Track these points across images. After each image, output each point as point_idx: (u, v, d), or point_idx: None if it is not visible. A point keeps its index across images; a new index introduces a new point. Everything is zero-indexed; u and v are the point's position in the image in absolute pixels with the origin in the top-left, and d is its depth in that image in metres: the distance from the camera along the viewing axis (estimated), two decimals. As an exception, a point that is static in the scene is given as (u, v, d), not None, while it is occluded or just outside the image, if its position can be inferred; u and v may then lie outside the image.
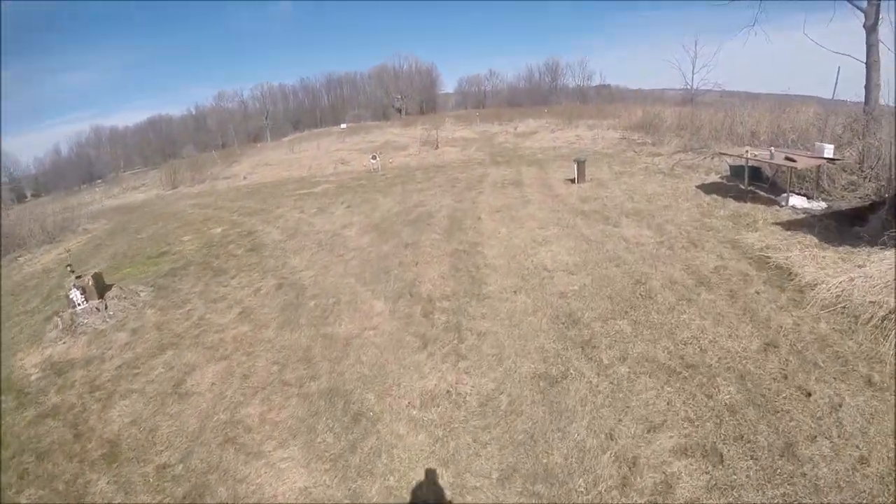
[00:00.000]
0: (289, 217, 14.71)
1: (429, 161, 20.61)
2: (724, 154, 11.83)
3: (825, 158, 9.92)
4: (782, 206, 9.86)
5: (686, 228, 9.10)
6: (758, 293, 6.53)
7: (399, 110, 55.54)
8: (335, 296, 8.40)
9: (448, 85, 67.83)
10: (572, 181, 13.52)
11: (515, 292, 7.49)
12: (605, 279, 7.52)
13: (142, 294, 9.90)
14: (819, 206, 9.74)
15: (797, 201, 9.89)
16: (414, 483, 4.42)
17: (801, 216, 9.29)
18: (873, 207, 9.04)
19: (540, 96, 53.15)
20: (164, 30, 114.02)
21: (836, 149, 10.25)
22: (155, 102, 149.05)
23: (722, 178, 12.59)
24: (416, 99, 59.68)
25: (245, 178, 25.11)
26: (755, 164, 10.63)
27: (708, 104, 22.51)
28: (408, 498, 4.31)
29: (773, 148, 10.15)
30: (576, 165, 13.48)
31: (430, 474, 4.44)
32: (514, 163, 17.70)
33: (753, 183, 11.48)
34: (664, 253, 8.16)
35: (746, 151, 10.42)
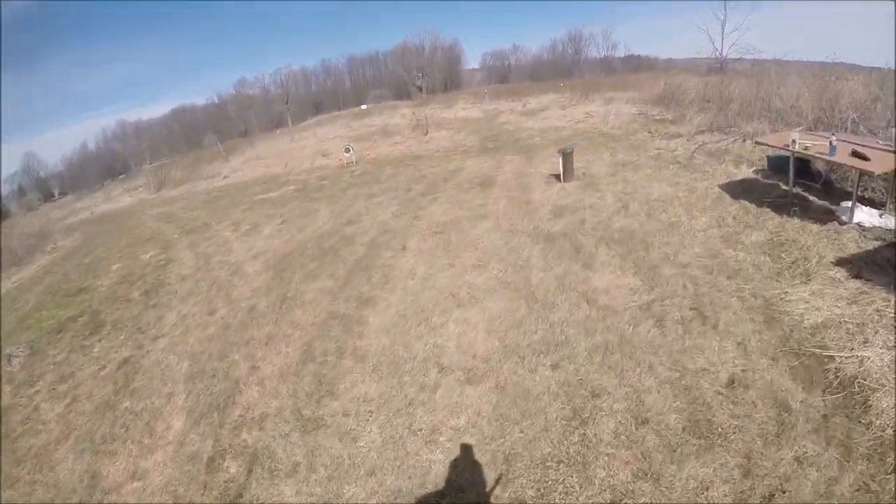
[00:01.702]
0: (217, 238, 12.24)
1: (411, 151, 17.49)
2: (763, 143, 8.08)
3: None
4: (844, 224, 6.37)
5: (694, 273, 5.92)
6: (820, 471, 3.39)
7: (420, 88, 51.86)
8: (148, 399, 5.95)
9: (473, 60, 63.70)
10: (558, 178, 10.04)
11: (366, 421, 4.68)
12: (524, 401, 4.57)
13: (13, 362, 8.13)
14: None
15: (865, 216, 6.47)
16: None
17: (875, 243, 5.95)
18: None
19: (563, 69, 48.67)
20: (183, 21, 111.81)
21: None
22: (181, 94, 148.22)
23: (756, 171, 9.00)
24: (438, 76, 55.77)
25: (225, 177, 22.50)
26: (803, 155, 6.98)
27: (740, 73, 18.35)
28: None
29: (833, 135, 6.48)
30: (561, 159, 10.02)
31: None
32: (503, 150, 14.34)
33: (800, 181, 7.83)
34: (646, 338, 5.06)
35: (793, 141, 6.78)
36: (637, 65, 48.68)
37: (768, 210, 7.10)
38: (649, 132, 13.57)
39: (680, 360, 4.60)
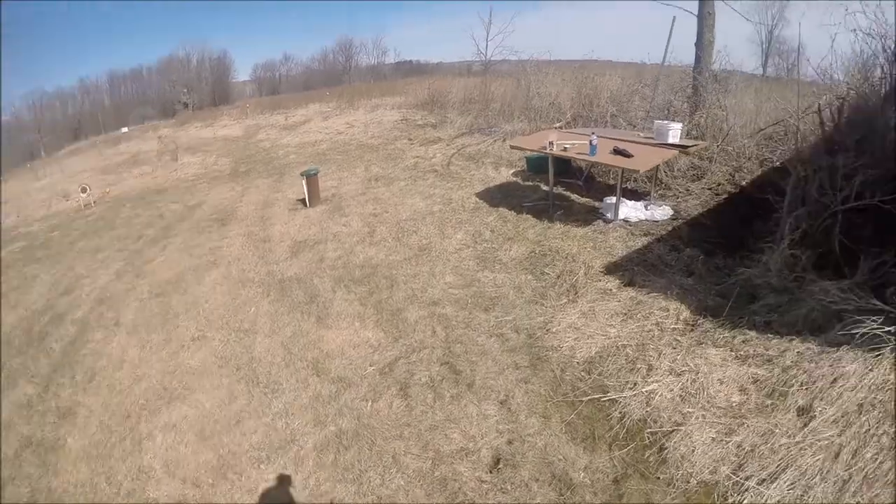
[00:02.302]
0: None
1: (156, 182, 14.82)
2: (518, 147, 7.37)
3: (674, 146, 5.88)
4: (609, 222, 6.06)
5: (445, 312, 5.02)
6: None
7: (186, 105, 47.11)
8: None
9: (244, 72, 59.68)
10: (304, 203, 8.60)
11: None
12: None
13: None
14: (662, 211, 6.23)
15: (630, 211, 6.26)
16: None
17: (644, 240, 5.70)
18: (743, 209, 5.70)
19: (334, 78, 47.45)
20: None
21: (684, 129, 6.62)
22: None
23: (516, 173, 8.41)
24: (206, 91, 51.23)
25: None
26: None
27: (505, 74, 18.47)
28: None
29: (593, 133, 5.85)
30: (304, 183, 8.55)
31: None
32: (253, 174, 12.56)
33: (562, 180, 7.30)
34: (389, 417, 4.01)
35: (551, 143, 6.05)
36: (408, 70, 48.93)
37: (529, 216, 6.47)
38: (409, 139, 12.77)
39: (432, 442, 3.57)
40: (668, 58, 9.15)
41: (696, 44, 8.46)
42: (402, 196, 8.29)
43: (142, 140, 26.52)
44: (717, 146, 7.24)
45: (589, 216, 6.33)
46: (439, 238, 6.48)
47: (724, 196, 6.59)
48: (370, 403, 3.99)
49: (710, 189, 6.81)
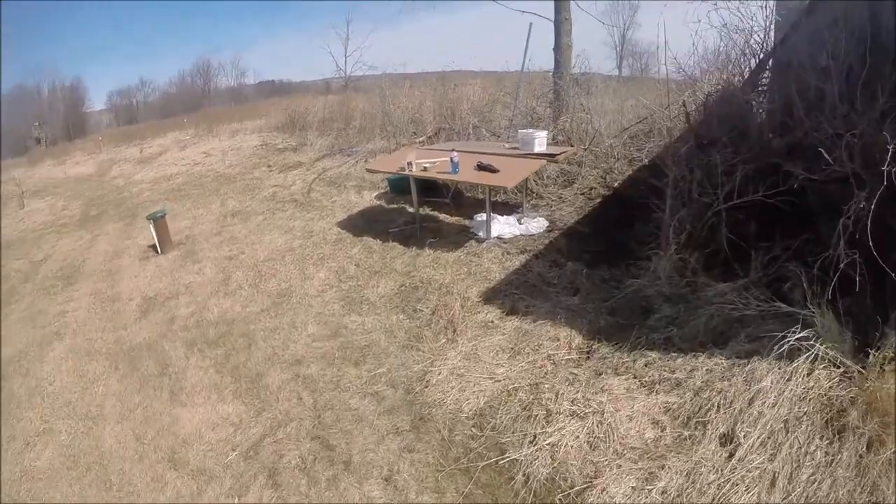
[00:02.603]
0: None
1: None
2: (375, 171, 6.99)
3: (541, 156, 5.77)
4: (482, 241, 5.97)
5: (311, 372, 4.56)
6: None
7: (38, 140, 42.35)
8: None
9: (99, 101, 54.72)
10: (156, 249, 7.75)
11: None
12: None
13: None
14: (537, 224, 6.22)
15: (504, 228, 6.06)
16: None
17: (521, 258, 5.60)
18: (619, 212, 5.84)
19: (193, 102, 44.70)
20: None
21: (550, 136, 6.37)
22: None
23: (379, 196, 8.09)
24: (60, 123, 46.42)
25: None
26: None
27: (365, 90, 18.12)
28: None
29: (454, 151, 5.70)
30: (152, 228, 7.72)
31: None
32: (105, 218, 11.37)
33: (428, 199, 7.05)
34: None
35: (409, 164, 5.75)
36: (270, 90, 47.02)
37: (396, 244, 6.19)
38: (268, 166, 12.11)
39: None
40: (527, 64, 9.27)
41: (553, 49, 8.58)
42: (260, 232, 7.73)
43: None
44: (585, 149, 7.32)
45: (460, 237, 6.16)
46: (300, 279, 6.04)
47: (599, 200, 6.65)
48: (237, 499, 3.49)
49: (583, 194, 6.86)
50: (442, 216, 6.96)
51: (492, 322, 4.58)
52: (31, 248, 10.67)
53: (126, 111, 51.18)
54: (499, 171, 5.48)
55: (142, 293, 6.68)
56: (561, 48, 8.60)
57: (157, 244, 8.04)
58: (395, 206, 7.62)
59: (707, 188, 4.54)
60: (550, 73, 8.83)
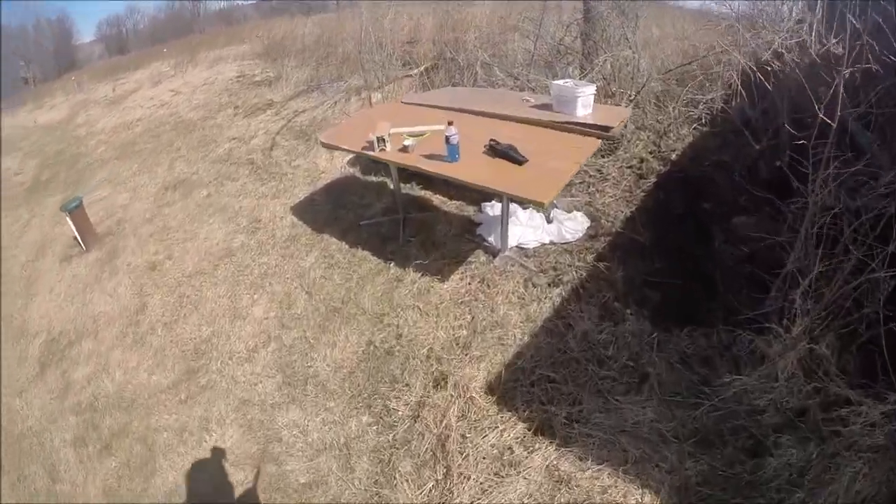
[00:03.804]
0: None
1: None
2: (332, 146, 4.17)
3: (588, 127, 3.37)
4: (494, 254, 3.59)
5: None
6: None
7: (26, 80, 38.95)
8: None
9: (88, 33, 49.76)
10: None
11: None
12: None
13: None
14: (574, 224, 3.79)
15: (526, 232, 3.71)
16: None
17: (551, 295, 3.21)
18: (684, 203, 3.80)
19: (184, 27, 39.98)
20: None
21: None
22: None
23: (354, 160, 5.55)
24: (48, 59, 42.51)
25: None
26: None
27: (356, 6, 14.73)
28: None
29: (453, 107, 3.65)
30: (69, 220, 5.39)
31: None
32: (52, 185, 9.08)
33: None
34: None
35: (380, 140, 3.29)
36: (269, 10, 41.38)
37: (367, 253, 3.76)
38: (235, 107, 9.39)
39: None
40: None
41: None
42: (199, 219, 5.33)
43: None
44: (632, 100, 4.68)
45: (461, 242, 3.74)
46: (229, 319, 3.75)
47: (654, 180, 4.12)
48: None
49: (630, 168, 4.30)
50: (436, 200, 4.45)
51: (509, 452, 2.33)
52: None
53: (116, 41, 46.62)
54: (525, 160, 2.91)
55: (49, 325, 4.53)
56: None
57: (79, 239, 5.68)
58: (374, 178, 5.09)
59: (864, 235, 2.13)
60: None
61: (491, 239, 3.63)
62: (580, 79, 5.10)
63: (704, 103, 4.75)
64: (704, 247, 3.36)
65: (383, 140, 3.23)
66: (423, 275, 3.49)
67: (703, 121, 4.87)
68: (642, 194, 4.13)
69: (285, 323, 3.55)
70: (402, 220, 4.10)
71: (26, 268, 5.97)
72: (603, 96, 4.87)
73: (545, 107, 3.62)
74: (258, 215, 4.98)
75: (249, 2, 43.74)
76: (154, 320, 4.15)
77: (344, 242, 4.10)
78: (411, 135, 3.38)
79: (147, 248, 5.14)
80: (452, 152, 2.93)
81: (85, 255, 5.60)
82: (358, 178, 5.13)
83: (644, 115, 4.93)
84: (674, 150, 4.60)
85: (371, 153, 3.26)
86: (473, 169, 2.85)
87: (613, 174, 4.16)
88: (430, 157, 3.05)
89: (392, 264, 3.68)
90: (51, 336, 4.47)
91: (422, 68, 7.63)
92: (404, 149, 3.19)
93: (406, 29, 9.15)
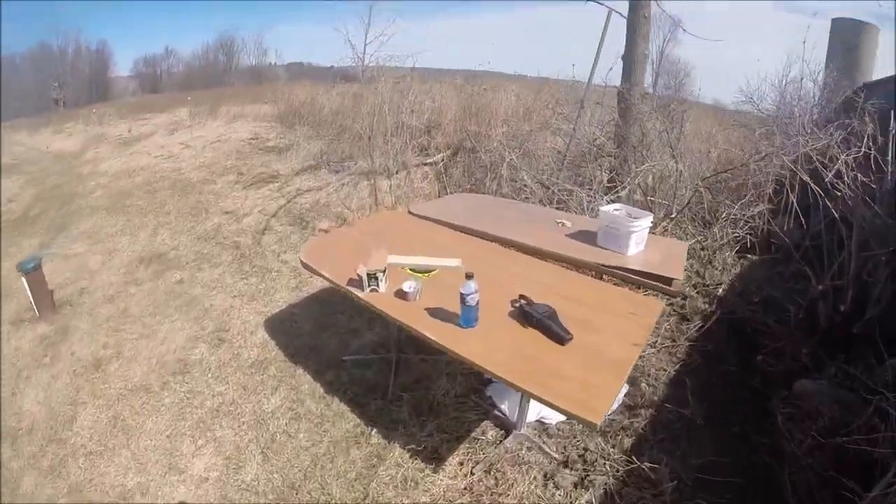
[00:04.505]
0: None
1: None
2: (313, 271, 2.95)
3: (645, 277, 2.66)
4: (507, 430, 2.78)
5: None
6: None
7: (56, 101, 38.64)
8: None
9: (125, 67, 50.10)
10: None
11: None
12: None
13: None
14: None
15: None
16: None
17: None
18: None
19: (215, 78, 40.17)
20: None
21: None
22: None
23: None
24: (83, 86, 42.40)
25: None
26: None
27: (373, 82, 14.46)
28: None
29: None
30: (25, 283, 4.59)
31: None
32: (38, 224, 8.19)
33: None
34: None
35: (371, 278, 2.58)
36: (298, 72, 41.57)
37: (344, 406, 2.93)
38: (240, 174, 8.73)
39: None
40: (575, 71, 5.74)
41: (623, 57, 5.16)
42: (163, 311, 4.49)
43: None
44: (672, 219, 4.02)
45: (465, 407, 2.92)
46: (161, 472, 2.91)
47: (699, 323, 3.42)
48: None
49: (671, 306, 3.58)
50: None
51: None
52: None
53: (150, 80, 46.84)
54: (569, 337, 2.10)
55: None
56: (635, 58, 5.17)
57: (34, 307, 4.81)
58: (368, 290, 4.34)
59: None
60: (616, 89, 5.40)
61: (504, 407, 2.82)
62: (610, 188, 4.46)
63: (746, 220, 4.10)
64: (765, 426, 2.59)
65: (375, 279, 2.47)
66: (412, 455, 2.64)
67: (748, 243, 4.23)
68: (687, 343, 3.39)
69: (228, 493, 2.65)
70: (395, 362, 3.29)
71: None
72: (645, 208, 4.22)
73: (586, 237, 2.93)
74: (227, 322, 4.15)
75: (281, 63, 44.26)
76: (79, 444, 3.24)
77: (319, 384, 3.26)
78: (415, 270, 2.63)
79: (98, 336, 4.27)
80: (468, 317, 2.16)
81: (35, 323, 4.73)
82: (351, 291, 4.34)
83: (684, 236, 4.26)
84: (719, 284, 3.91)
85: (359, 293, 2.49)
86: (494, 345, 2.07)
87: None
88: (437, 312, 2.28)
89: (374, 431, 2.84)
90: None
91: (440, 156, 7.06)
92: (402, 294, 2.42)
93: (427, 112, 8.66)
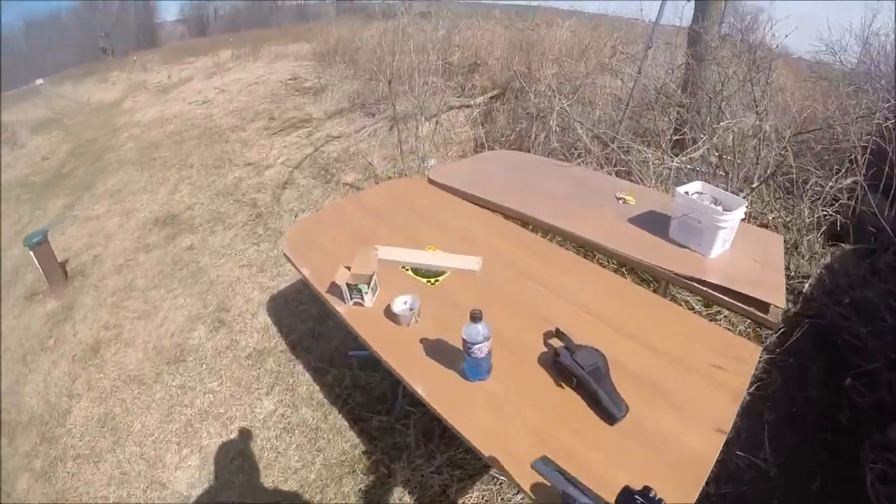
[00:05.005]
0: None
1: None
2: (294, 264, 2.32)
3: (731, 297, 1.87)
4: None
5: None
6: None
7: (104, 50, 39.15)
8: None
9: (172, 12, 49.88)
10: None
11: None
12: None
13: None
14: None
15: None
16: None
17: None
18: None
19: (261, 18, 38.99)
20: None
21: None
22: None
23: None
24: (129, 34, 42.66)
25: None
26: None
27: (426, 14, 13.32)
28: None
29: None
30: (33, 257, 4.43)
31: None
32: (68, 181, 8.17)
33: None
34: None
35: (351, 289, 1.93)
36: (349, 9, 39.48)
37: (343, 418, 2.51)
38: (270, 119, 8.24)
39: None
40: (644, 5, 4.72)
41: None
42: (167, 284, 4.18)
43: (47, 97, 20.32)
44: (752, 189, 3.21)
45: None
46: (143, 487, 2.64)
47: (781, 329, 2.70)
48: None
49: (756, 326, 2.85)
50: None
51: None
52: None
53: (198, 23, 46.42)
54: (622, 413, 1.43)
55: None
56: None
57: (47, 280, 4.61)
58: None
59: None
60: (686, 29, 4.37)
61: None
62: (677, 143, 3.64)
63: (835, 196, 3.24)
64: (851, 483, 1.92)
65: (358, 290, 1.87)
66: (415, 494, 2.13)
67: (837, 224, 3.38)
68: (765, 355, 2.67)
69: (205, 522, 2.25)
70: (401, 402, 2.73)
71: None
72: (710, 179, 3.41)
73: (654, 223, 2.21)
74: (230, 299, 3.74)
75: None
76: (68, 444, 2.98)
77: (318, 386, 2.78)
78: (417, 271, 2.02)
79: (101, 314, 3.99)
80: (476, 370, 1.54)
81: (46, 298, 4.51)
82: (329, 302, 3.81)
83: (763, 213, 3.45)
84: (806, 278, 3.11)
85: (339, 306, 1.90)
86: (511, 416, 1.44)
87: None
88: (438, 347, 1.68)
89: (373, 458, 2.33)
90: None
91: (482, 98, 6.29)
92: (393, 316, 1.82)
93: (472, 48, 7.78)
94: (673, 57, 4.59)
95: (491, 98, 6.41)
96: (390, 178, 5.07)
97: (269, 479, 2.40)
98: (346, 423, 2.56)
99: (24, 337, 4.13)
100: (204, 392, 3.00)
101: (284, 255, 2.39)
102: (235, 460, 2.54)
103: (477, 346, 1.44)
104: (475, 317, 1.40)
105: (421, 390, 1.51)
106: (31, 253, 4.52)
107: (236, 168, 6.28)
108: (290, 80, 11.56)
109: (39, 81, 32.64)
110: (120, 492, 2.62)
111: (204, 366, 3.20)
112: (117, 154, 8.66)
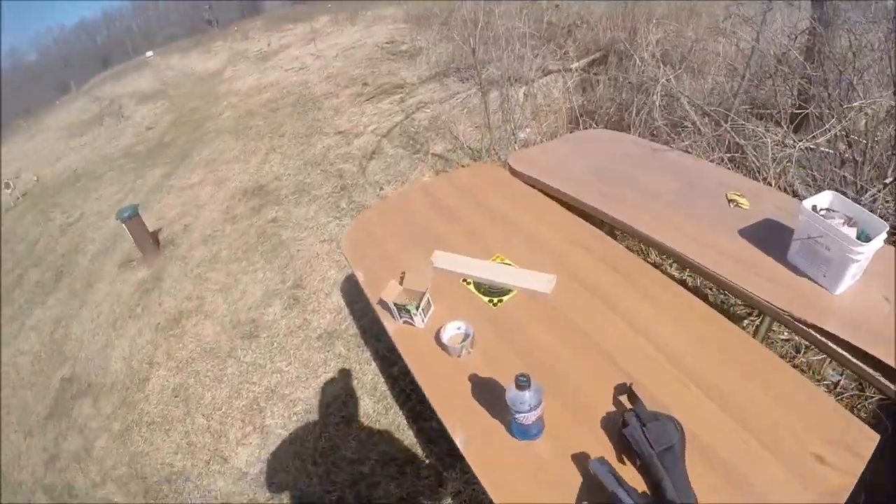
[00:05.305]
0: None
1: (93, 155, 11.02)
2: (353, 266, 2.22)
3: (858, 358, 1.47)
4: None
5: None
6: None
7: (209, 22, 41.80)
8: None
9: None
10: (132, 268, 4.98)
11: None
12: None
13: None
14: None
15: None
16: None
17: None
18: None
19: None
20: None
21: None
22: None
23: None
24: (233, 5, 45.23)
25: None
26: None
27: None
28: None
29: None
30: (126, 230, 4.92)
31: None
32: (171, 150, 8.91)
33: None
34: None
35: (402, 309, 1.80)
36: None
37: (409, 421, 2.59)
38: (364, 85, 8.40)
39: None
40: None
41: None
42: (250, 257, 4.44)
43: (155, 69, 22.27)
44: (885, 185, 2.76)
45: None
46: (205, 460, 2.84)
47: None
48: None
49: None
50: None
51: None
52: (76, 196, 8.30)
53: (297, -10, 48.12)
54: None
55: (75, 357, 4.17)
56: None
57: (140, 250, 5.06)
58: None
59: None
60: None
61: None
62: (797, 118, 3.20)
63: None
64: None
65: (407, 311, 1.77)
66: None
67: None
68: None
69: (258, 498, 2.36)
70: None
71: (94, 261, 5.52)
72: (837, 166, 2.98)
73: (770, 238, 1.88)
74: (307, 276, 3.87)
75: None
76: (144, 411, 3.26)
77: (383, 378, 2.81)
78: (479, 286, 1.88)
79: (185, 285, 4.31)
80: (521, 432, 1.39)
81: (139, 266, 4.94)
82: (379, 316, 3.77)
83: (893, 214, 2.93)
84: None
85: (388, 323, 1.83)
86: (554, 486, 1.28)
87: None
88: (489, 388, 1.52)
89: (426, 464, 2.30)
90: (72, 371, 3.89)
91: (584, 62, 5.99)
92: (442, 345, 1.70)
93: (569, 10, 7.45)
94: (796, 20, 4.01)
95: (591, 62, 6.07)
96: (478, 150, 4.96)
97: (322, 468, 2.45)
98: (405, 422, 2.54)
99: (115, 303, 4.54)
100: (272, 371, 3.12)
101: (343, 254, 2.37)
102: (293, 444, 2.61)
103: (522, 416, 1.31)
104: (521, 385, 1.25)
105: (459, 439, 1.40)
106: (124, 226, 4.92)
107: (325, 137, 6.48)
108: (387, 43, 11.70)
109: (149, 54, 35.53)
110: (185, 461, 2.81)
111: (275, 344, 3.34)
112: (215, 123, 9.26)
